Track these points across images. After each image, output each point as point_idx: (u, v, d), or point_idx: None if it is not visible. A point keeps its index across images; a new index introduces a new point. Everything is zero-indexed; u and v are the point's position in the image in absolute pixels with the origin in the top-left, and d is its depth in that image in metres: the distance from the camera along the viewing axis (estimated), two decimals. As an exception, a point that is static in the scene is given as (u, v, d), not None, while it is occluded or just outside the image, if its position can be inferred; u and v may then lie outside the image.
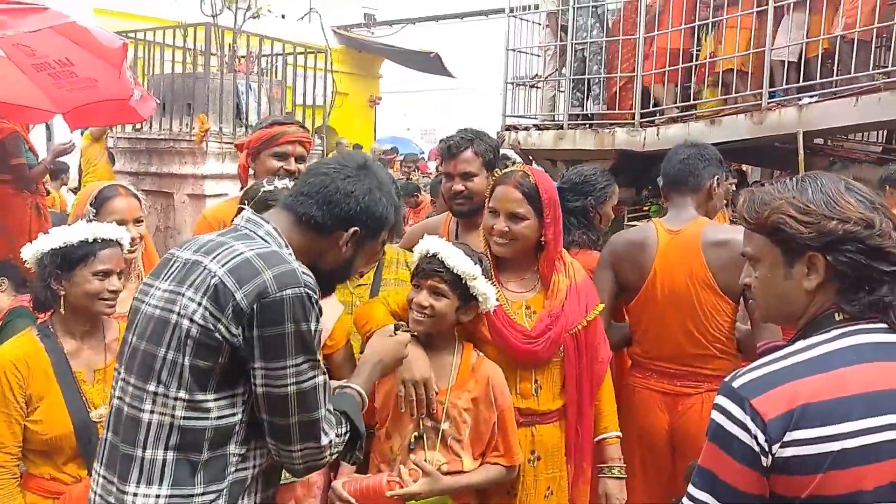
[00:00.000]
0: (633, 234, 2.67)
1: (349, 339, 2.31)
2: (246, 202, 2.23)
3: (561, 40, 7.26)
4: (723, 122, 6.18)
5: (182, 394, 1.39)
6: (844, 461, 1.15)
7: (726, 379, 1.24)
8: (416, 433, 1.98)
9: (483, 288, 1.98)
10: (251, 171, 2.87)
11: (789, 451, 1.15)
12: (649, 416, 2.53)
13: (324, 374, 1.47)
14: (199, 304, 1.40)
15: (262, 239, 1.49)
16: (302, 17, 13.17)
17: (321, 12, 9.47)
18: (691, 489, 1.24)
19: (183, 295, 1.42)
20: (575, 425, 2.20)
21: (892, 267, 1.22)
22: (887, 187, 4.64)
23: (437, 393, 1.98)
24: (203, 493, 1.39)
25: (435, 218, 2.86)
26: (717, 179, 2.59)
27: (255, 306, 1.37)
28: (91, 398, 2.07)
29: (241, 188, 2.88)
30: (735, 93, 6.32)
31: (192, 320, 1.39)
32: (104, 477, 1.47)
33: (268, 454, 1.48)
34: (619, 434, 2.31)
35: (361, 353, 2.19)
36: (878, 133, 7.49)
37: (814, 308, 1.27)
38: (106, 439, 1.51)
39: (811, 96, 5.89)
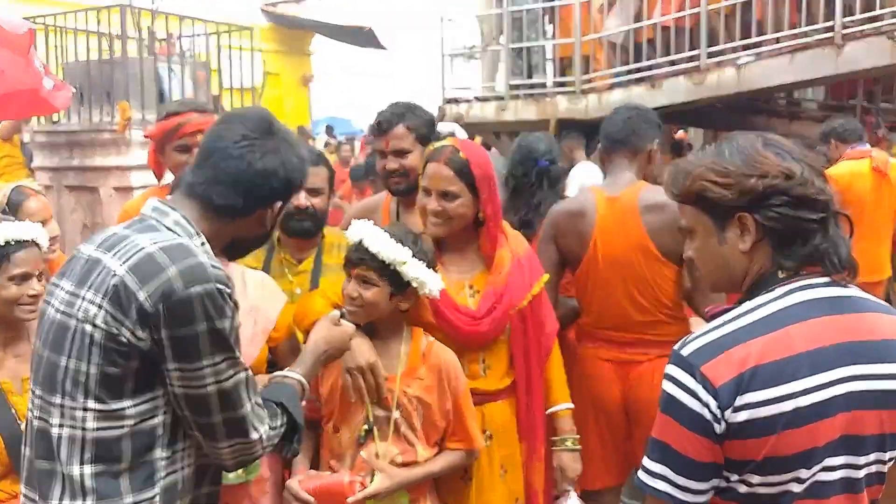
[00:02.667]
0: (572, 203, 2.65)
1: (294, 331, 2.23)
2: None
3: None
4: (664, 85, 6.28)
5: (91, 403, 1.31)
6: (798, 420, 1.15)
7: (675, 347, 1.23)
8: (365, 426, 1.91)
9: (415, 273, 1.89)
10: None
11: (742, 416, 1.15)
12: (602, 385, 2.54)
13: (246, 370, 1.40)
14: (100, 306, 1.30)
15: (170, 229, 1.38)
16: (226, -5, 12.73)
17: (247, -10, 9.18)
18: (646, 462, 1.23)
19: (83, 297, 1.33)
20: (525, 403, 2.17)
21: (820, 214, 1.22)
22: (832, 140, 4.75)
23: (386, 379, 1.92)
24: (134, 503, 1.32)
25: (374, 197, 2.79)
26: (658, 143, 2.59)
27: (160, 306, 1.28)
28: (20, 409, 1.94)
29: (159, 181, 2.73)
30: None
31: (94, 325, 1.30)
32: (25, 495, 1.39)
33: (196, 452, 1.41)
34: (571, 405, 2.29)
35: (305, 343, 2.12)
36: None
37: (755, 268, 1.26)
38: (24, 455, 1.42)
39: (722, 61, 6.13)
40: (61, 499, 1.32)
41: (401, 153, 2.36)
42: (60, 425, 1.33)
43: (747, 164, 1.23)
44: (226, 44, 5.95)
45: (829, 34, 5.49)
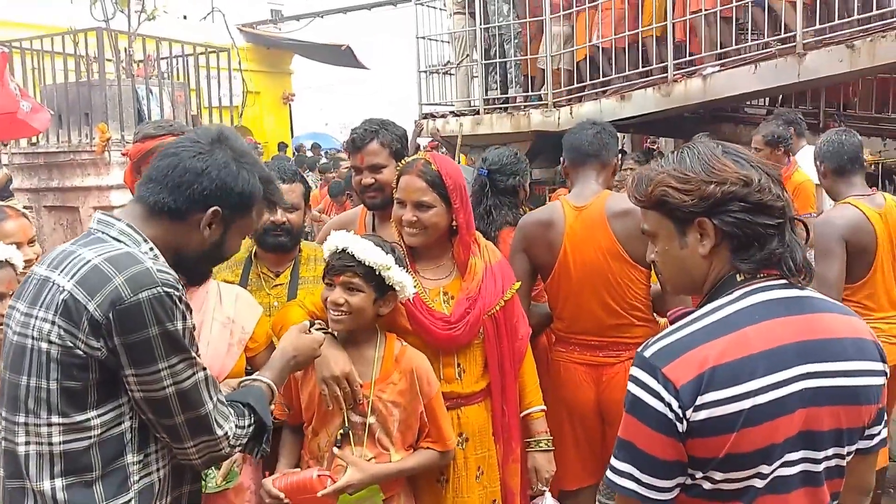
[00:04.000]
0: (541, 214, 2.70)
1: (272, 341, 2.26)
2: None
3: (472, 26, 7.29)
4: (632, 96, 6.37)
5: (55, 419, 1.33)
6: (756, 418, 1.18)
7: (639, 350, 1.27)
8: (341, 430, 1.95)
9: (399, 277, 1.96)
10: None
11: (703, 414, 1.18)
12: (575, 388, 2.58)
13: (204, 369, 1.42)
14: (53, 322, 1.32)
15: (116, 239, 1.40)
16: (205, 17, 12.78)
17: (225, 11, 9.15)
18: (614, 461, 1.26)
19: (35, 317, 1.35)
20: (500, 405, 2.21)
21: (776, 220, 1.26)
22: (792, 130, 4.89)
23: (360, 386, 1.96)
24: None
25: (350, 211, 2.82)
26: (620, 157, 2.66)
27: (110, 315, 1.30)
28: None
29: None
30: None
31: (49, 342, 1.32)
32: None
33: (171, 453, 1.43)
34: (544, 407, 2.34)
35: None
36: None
37: (714, 272, 1.30)
38: None
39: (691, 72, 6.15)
40: None
41: (375, 168, 2.40)
42: (27, 443, 1.34)
43: (707, 170, 1.26)
44: (203, 64, 5.97)
45: (792, 44, 5.62)
